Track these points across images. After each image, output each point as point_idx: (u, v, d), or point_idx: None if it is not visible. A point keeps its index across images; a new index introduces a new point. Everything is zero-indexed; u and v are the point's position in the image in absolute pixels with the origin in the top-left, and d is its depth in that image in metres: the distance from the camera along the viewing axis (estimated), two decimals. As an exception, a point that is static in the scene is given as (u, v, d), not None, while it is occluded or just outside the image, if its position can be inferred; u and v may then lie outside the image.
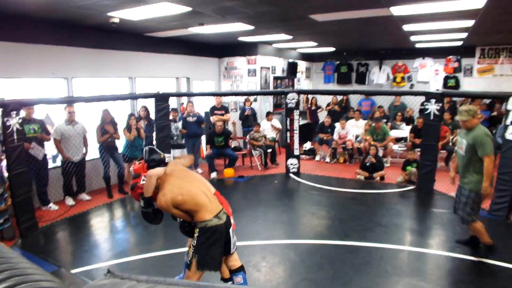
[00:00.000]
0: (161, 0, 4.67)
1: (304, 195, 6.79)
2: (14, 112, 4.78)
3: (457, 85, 11.06)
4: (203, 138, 8.50)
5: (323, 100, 10.75)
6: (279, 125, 9.56)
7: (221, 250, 2.89)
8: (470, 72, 10.91)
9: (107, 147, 6.51)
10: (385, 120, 9.39)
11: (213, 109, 8.80)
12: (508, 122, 5.37)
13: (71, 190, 6.29)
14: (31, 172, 5.39)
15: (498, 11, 5.51)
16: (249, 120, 9.35)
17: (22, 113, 5.34)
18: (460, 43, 9.72)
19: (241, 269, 3.13)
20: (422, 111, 7.43)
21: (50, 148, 6.08)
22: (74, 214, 5.83)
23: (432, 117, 6.41)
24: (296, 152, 7.92)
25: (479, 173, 3.98)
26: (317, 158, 9.40)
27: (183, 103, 8.93)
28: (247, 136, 8.77)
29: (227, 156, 8.15)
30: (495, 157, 4.37)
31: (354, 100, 11.57)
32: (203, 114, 8.38)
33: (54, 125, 6.19)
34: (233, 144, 8.99)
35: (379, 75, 12.18)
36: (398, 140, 9.09)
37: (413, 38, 8.69)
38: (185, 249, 3.74)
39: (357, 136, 9.08)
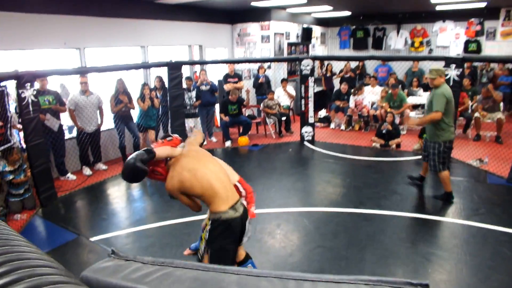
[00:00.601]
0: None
1: (319, 163, 6.77)
2: (28, 84, 4.80)
3: (478, 49, 10.61)
4: (217, 106, 8.47)
5: (339, 67, 10.49)
6: (293, 92, 9.42)
7: (235, 246, 2.63)
8: (493, 35, 10.41)
9: (122, 117, 6.55)
10: (400, 86, 9.16)
11: (227, 76, 8.68)
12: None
13: (87, 160, 6.40)
14: (48, 143, 5.48)
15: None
16: (263, 87, 9.21)
17: (36, 85, 5.37)
18: (483, 4, 9.22)
19: (247, 258, 3.03)
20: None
21: (66, 119, 6.15)
22: (91, 183, 5.96)
23: (451, 83, 6.19)
24: (311, 120, 7.83)
25: (437, 126, 4.50)
26: (332, 125, 9.29)
27: (196, 72, 8.84)
28: (261, 104, 8.69)
29: (241, 123, 8.12)
30: None
31: (371, 66, 11.26)
32: (216, 83, 8.30)
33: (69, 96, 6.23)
34: (247, 112, 8.93)
35: (397, 40, 11.78)
36: (415, 107, 8.89)
37: (433, -1, 8.30)
38: (201, 216, 3.78)
39: (373, 103, 8.90)
